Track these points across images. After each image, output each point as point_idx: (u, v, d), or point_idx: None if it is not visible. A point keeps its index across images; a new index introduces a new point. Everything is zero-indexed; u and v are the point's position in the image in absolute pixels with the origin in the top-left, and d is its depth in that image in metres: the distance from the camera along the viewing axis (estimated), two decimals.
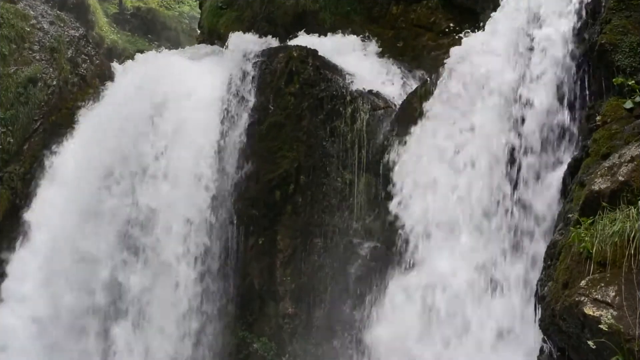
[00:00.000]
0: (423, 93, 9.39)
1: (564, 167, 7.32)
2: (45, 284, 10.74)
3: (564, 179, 7.25)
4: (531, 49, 8.01)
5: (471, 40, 9.09)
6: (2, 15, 11.85)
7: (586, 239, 5.51)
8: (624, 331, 4.64)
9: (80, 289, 10.69)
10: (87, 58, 12.54)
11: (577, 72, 7.59)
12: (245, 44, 11.54)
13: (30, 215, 11.15)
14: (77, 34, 12.65)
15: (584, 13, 7.71)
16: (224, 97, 11.00)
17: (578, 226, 5.80)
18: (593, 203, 5.82)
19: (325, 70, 10.47)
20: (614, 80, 6.97)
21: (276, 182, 10.26)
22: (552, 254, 6.45)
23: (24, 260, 10.94)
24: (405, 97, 10.06)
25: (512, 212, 7.71)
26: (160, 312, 10.34)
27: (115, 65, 13.45)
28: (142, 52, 14.31)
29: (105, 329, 10.57)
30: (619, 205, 5.52)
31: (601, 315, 4.82)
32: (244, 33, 12.13)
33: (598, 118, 6.95)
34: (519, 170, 7.77)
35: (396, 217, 8.83)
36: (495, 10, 9.04)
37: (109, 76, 12.60)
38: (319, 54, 10.76)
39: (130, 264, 10.62)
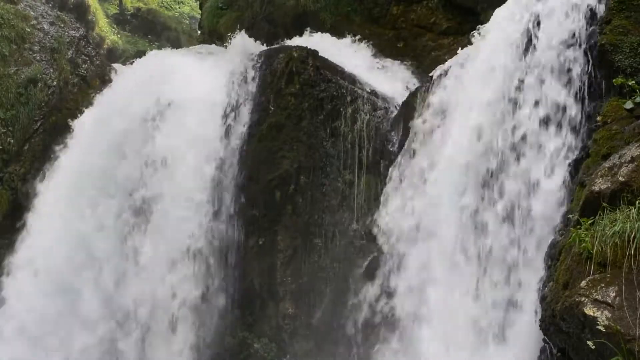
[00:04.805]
0: (423, 93, 9.41)
1: None
2: (45, 285, 10.70)
3: (564, 179, 7.25)
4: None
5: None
6: (3, 15, 11.86)
7: (586, 239, 5.51)
8: (624, 331, 4.64)
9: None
10: (87, 59, 12.54)
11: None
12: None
13: (31, 216, 11.13)
14: (77, 35, 12.66)
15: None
16: (224, 97, 11.00)
17: (578, 227, 5.81)
18: (593, 203, 5.82)
19: (325, 71, 10.47)
20: (614, 80, 6.98)
21: (276, 183, 10.26)
22: (553, 254, 6.45)
23: (24, 260, 10.93)
24: (405, 97, 10.06)
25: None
26: (160, 312, 10.32)
27: (116, 65, 13.46)
28: (143, 52, 14.29)
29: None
30: (619, 206, 5.52)
31: (601, 316, 4.82)
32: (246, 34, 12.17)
33: (598, 118, 6.96)
34: None
35: None
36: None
37: (110, 76, 12.59)
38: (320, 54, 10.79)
39: (131, 266, 10.60)
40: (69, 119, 11.75)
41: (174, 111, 11.06)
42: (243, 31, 12.27)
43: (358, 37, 12.20)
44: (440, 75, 9.30)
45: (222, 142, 10.76)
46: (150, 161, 10.91)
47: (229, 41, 12.17)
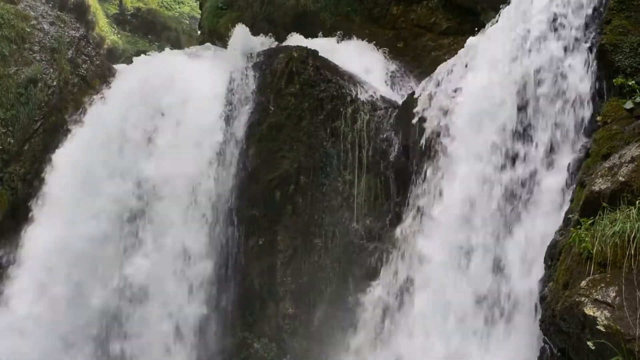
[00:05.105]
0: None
1: None
2: (44, 286, 10.64)
3: (565, 180, 7.24)
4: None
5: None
6: (3, 15, 11.84)
7: (586, 239, 5.51)
8: (624, 331, 4.63)
9: (80, 289, 10.53)
10: (87, 59, 12.53)
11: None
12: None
13: (31, 215, 11.07)
14: (77, 35, 12.64)
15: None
16: (224, 97, 10.99)
17: (578, 227, 5.81)
18: (593, 203, 5.82)
19: (325, 71, 10.47)
20: (614, 80, 6.98)
21: (276, 183, 10.26)
22: (553, 254, 6.44)
23: (25, 261, 10.89)
24: (405, 98, 10.06)
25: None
26: (160, 312, 10.30)
27: (117, 65, 13.44)
28: (143, 52, 14.19)
29: (106, 332, 10.00)
30: (619, 206, 5.52)
31: (601, 316, 4.82)
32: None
33: (599, 118, 6.95)
34: None
35: None
36: (495, 11, 9.03)
37: (110, 76, 12.58)
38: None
39: (131, 266, 10.55)
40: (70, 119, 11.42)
41: (174, 112, 10.97)
42: (242, 25, 12.07)
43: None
44: (432, 139, 8.66)
45: (221, 142, 10.68)
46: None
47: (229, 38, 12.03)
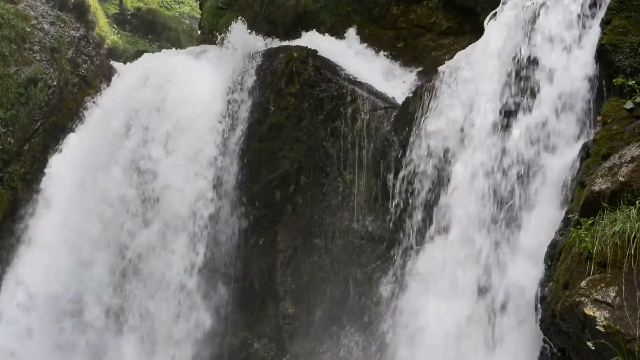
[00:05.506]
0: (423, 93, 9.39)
1: None
2: (44, 287, 10.67)
3: (565, 179, 7.24)
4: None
5: None
6: (3, 15, 11.86)
7: (586, 239, 5.51)
8: (624, 331, 4.63)
9: (78, 295, 10.56)
10: (87, 58, 12.55)
11: None
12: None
13: (32, 215, 11.09)
14: (77, 35, 12.67)
15: None
16: (224, 97, 10.99)
17: (578, 227, 5.80)
18: (593, 203, 5.81)
19: (325, 71, 10.47)
20: (614, 80, 6.97)
21: (276, 183, 10.26)
22: (553, 254, 6.44)
23: (25, 261, 10.91)
24: (405, 97, 10.05)
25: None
26: (161, 313, 10.32)
27: (116, 64, 13.45)
28: (143, 53, 14.19)
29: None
30: (619, 206, 5.52)
31: (601, 316, 4.82)
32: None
33: (599, 118, 6.95)
34: None
35: None
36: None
37: (110, 76, 12.59)
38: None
39: (131, 267, 10.57)
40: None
41: (173, 111, 11.00)
42: (240, 20, 12.04)
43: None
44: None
45: (221, 142, 10.69)
46: (149, 160, 10.67)
47: (226, 37, 11.98)
